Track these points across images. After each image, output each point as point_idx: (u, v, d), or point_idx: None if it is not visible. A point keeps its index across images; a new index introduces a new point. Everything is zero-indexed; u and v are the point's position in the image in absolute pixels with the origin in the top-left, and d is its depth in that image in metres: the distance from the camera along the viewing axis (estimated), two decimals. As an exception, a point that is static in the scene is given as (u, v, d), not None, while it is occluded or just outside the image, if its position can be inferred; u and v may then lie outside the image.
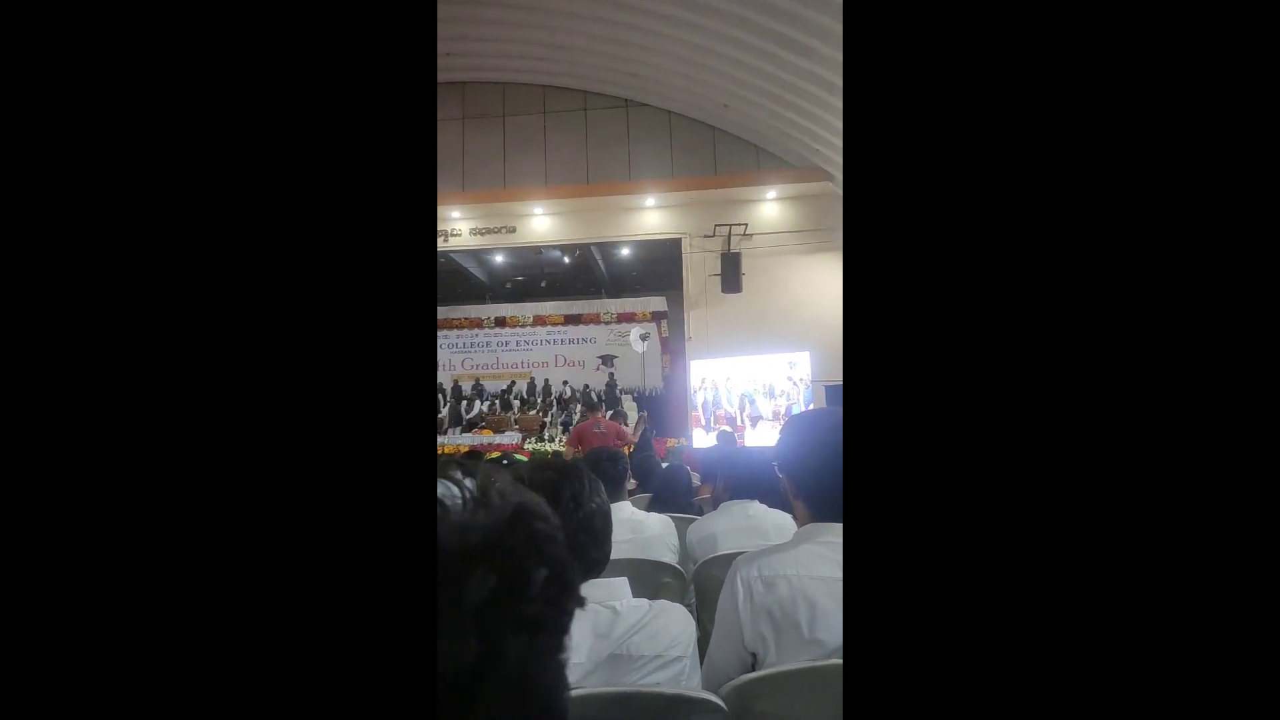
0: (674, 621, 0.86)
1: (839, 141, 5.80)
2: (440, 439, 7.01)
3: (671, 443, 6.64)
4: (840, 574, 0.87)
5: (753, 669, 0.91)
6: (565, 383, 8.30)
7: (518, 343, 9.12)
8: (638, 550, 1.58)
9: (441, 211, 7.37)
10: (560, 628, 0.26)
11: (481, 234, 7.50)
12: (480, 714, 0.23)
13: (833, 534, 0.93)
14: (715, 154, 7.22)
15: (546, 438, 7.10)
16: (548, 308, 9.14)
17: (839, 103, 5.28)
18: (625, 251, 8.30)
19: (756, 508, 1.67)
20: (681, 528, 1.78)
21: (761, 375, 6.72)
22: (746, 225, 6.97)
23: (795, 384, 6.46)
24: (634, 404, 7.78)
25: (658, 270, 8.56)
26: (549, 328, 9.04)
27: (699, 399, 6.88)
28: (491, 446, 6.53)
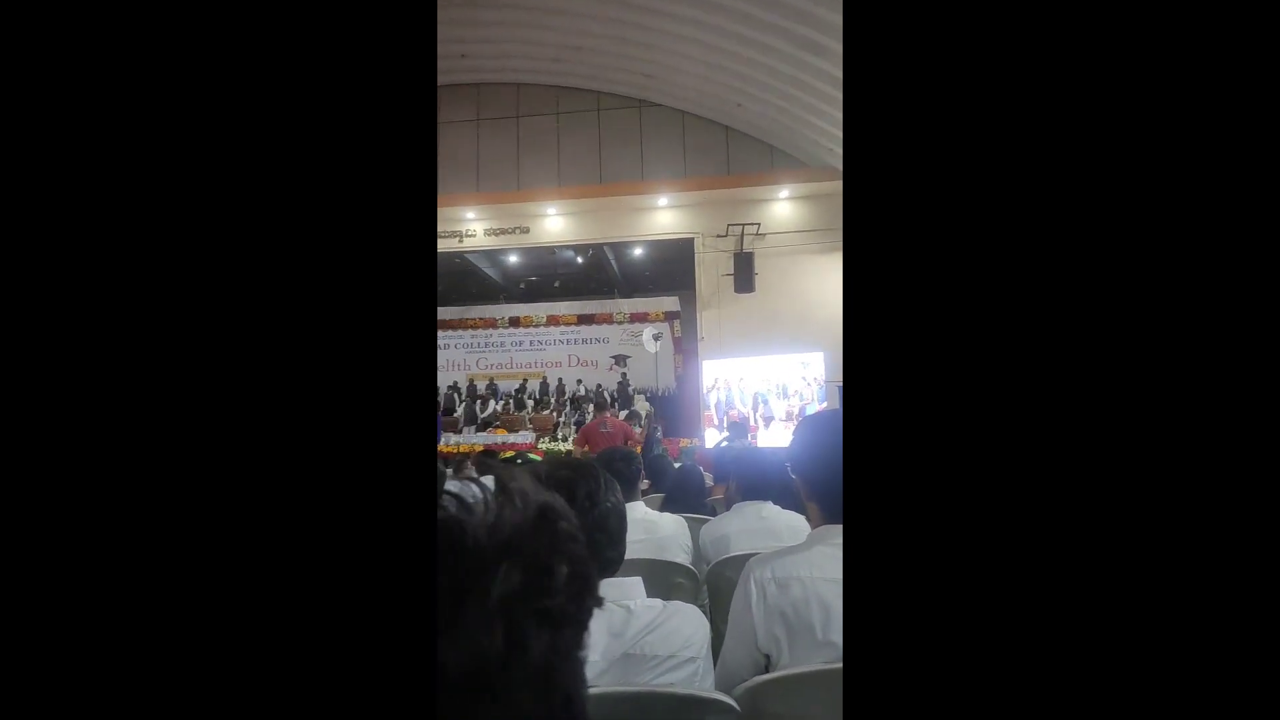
0: (688, 622, 0.86)
1: (853, 140, 5.71)
2: (455, 438, 7.07)
3: (684, 443, 6.63)
4: (854, 576, 0.87)
5: (766, 671, 0.91)
6: (579, 381, 8.33)
7: (531, 343, 9.16)
8: (651, 550, 1.59)
9: (456, 213, 7.43)
10: (581, 624, 0.27)
11: (495, 234, 7.54)
12: (505, 708, 0.23)
13: (847, 536, 0.92)
14: (728, 153, 7.19)
15: (560, 437, 7.12)
16: (561, 308, 9.16)
17: (853, 101, 5.21)
18: (638, 251, 8.31)
19: (770, 509, 1.66)
20: (694, 528, 1.78)
21: (775, 375, 6.69)
22: (760, 225, 6.93)
23: (809, 384, 6.42)
24: (646, 404, 7.78)
25: (670, 270, 8.55)
26: (562, 328, 9.07)
27: (712, 399, 6.86)
28: (506, 445, 6.57)
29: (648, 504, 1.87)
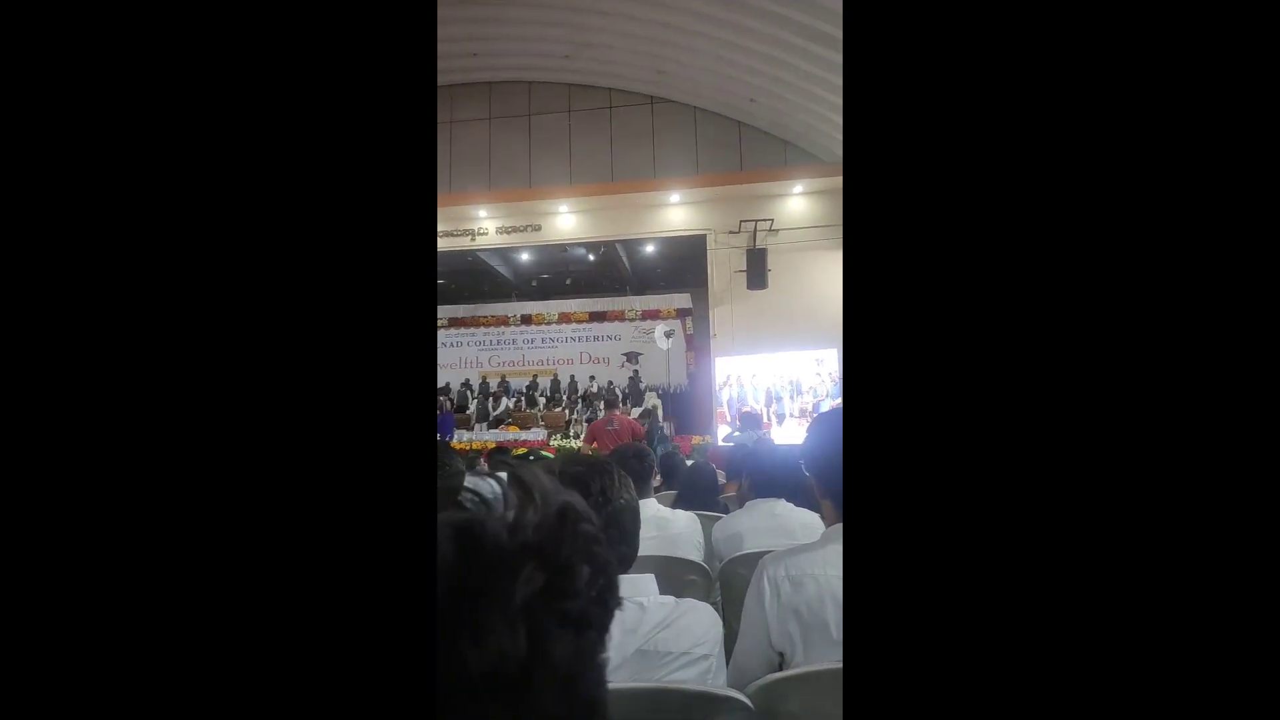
0: (701, 619, 0.86)
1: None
2: (468, 435, 7.12)
3: (696, 440, 6.62)
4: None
5: (779, 669, 0.91)
6: (592, 378, 8.35)
7: (543, 340, 9.20)
8: (663, 547, 1.58)
9: (468, 211, 7.47)
10: (603, 626, 0.26)
11: (508, 233, 7.58)
12: (527, 710, 0.23)
13: (862, 534, 0.92)
14: (741, 149, 7.16)
15: (572, 434, 7.15)
16: (573, 305, 9.19)
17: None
18: (650, 249, 8.30)
19: (783, 506, 1.65)
20: (707, 525, 1.78)
21: (788, 372, 6.65)
22: (772, 221, 6.89)
23: (823, 380, 6.38)
24: (658, 401, 7.78)
25: (682, 267, 8.53)
26: (574, 325, 9.09)
27: (724, 396, 6.84)
28: (518, 443, 6.60)
29: (660, 501, 1.87)
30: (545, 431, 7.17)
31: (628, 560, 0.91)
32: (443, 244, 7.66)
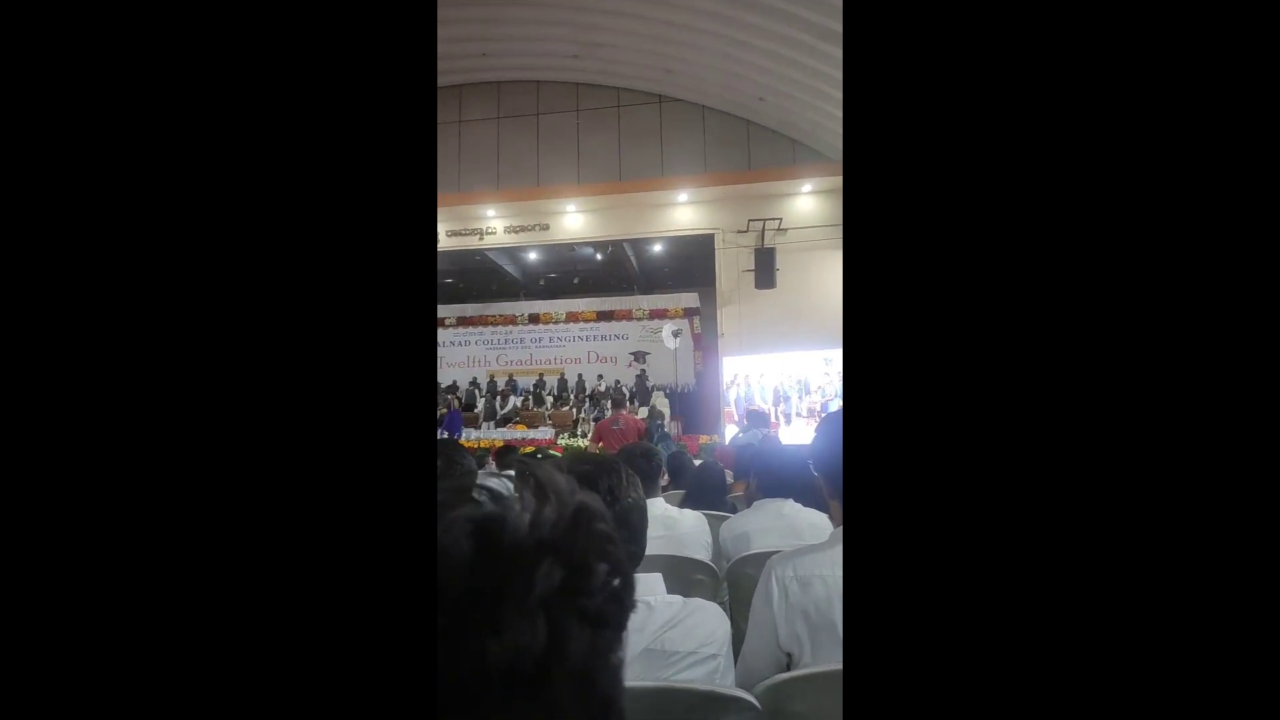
0: (709, 619, 0.86)
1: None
2: (475, 433, 7.15)
3: (704, 439, 6.61)
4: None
5: (787, 669, 0.90)
6: (600, 377, 8.36)
7: (551, 339, 9.22)
8: (671, 547, 1.58)
9: (476, 210, 7.50)
10: (619, 624, 0.27)
11: (515, 232, 7.60)
12: (545, 706, 0.23)
13: (871, 534, 0.91)
14: (749, 148, 7.14)
15: (579, 433, 7.16)
16: (580, 304, 9.20)
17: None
18: (657, 248, 8.29)
19: (791, 506, 1.65)
20: (714, 525, 1.77)
21: (796, 371, 6.63)
22: (781, 220, 6.87)
23: (831, 379, 6.36)
24: (665, 400, 7.78)
25: (690, 266, 8.52)
26: (581, 324, 9.11)
27: (731, 395, 6.83)
28: (525, 441, 6.63)
29: (668, 500, 1.87)
30: (552, 430, 7.19)
31: (635, 559, 0.91)
32: (451, 243, 7.69)
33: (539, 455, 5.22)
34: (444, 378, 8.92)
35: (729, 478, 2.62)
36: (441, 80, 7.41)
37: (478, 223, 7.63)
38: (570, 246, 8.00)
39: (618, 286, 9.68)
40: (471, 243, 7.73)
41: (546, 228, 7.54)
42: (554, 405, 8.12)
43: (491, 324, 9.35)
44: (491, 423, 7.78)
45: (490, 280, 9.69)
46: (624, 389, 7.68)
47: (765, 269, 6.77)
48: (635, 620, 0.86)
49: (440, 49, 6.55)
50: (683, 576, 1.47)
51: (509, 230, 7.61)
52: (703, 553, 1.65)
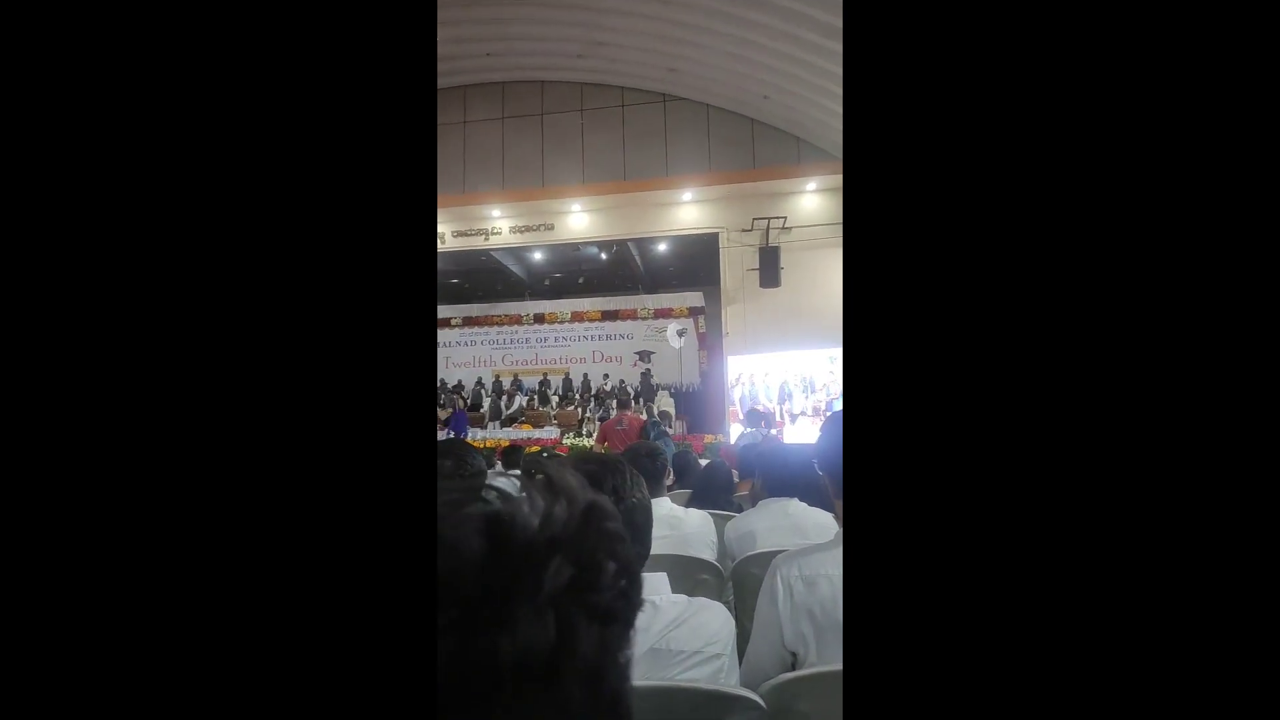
0: (714, 618, 0.86)
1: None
2: (480, 433, 7.17)
3: (709, 439, 6.61)
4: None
5: (792, 669, 0.90)
6: (605, 377, 8.37)
7: (556, 339, 9.23)
8: (675, 546, 1.58)
9: (481, 211, 7.52)
10: (628, 621, 0.27)
11: (520, 232, 7.61)
12: (555, 701, 0.23)
13: (876, 534, 0.91)
14: (754, 147, 7.12)
15: (585, 433, 7.17)
16: (585, 304, 9.21)
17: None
18: (662, 247, 8.29)
19: (796, 506, 1.64)
20: (719, 524, 1.77)
21: (800, 370, 6.61)
22: (786, 218, 6.85)
23: (836, 378, 6.34)
24: (670, 400, 7.77)
25: (695, 266, 8.51)
26: (586, 324, 9.11)
27: (736, 394, 6.82)
28: (530, 441, 6.64)
29: (673, 500, 1.87)
30: (558, 430, 7.20)
31: (640, 559, 0.91)
32: (456, 243, 7.71)
33: (545, 455, 5.23)
34: (450, 378, 8.94)
35: (734, 477, 2.61)
36: (446, 81, 7.43)
37: (483, 223, 7.65)
38: (575, 246, 8.00)
39: (622, 286, 9.69)
40: (477, 243, 7.74)
41: (551, 227, 7.54)
42: (559, 405, 8.13)
43: (497, 324, 9.37)
44: (497, 423, 7.80)
45: (496, 280, 9.71)
46: (628, 389, 7.68)
47: (770, 268, 6.75)
48: (640, 619, 0.85)
49: (445, 49, 6.57)
50: (688, 576, 1.47)
51: (514, 230, 7.62)
52: (708, 552, 1.65)
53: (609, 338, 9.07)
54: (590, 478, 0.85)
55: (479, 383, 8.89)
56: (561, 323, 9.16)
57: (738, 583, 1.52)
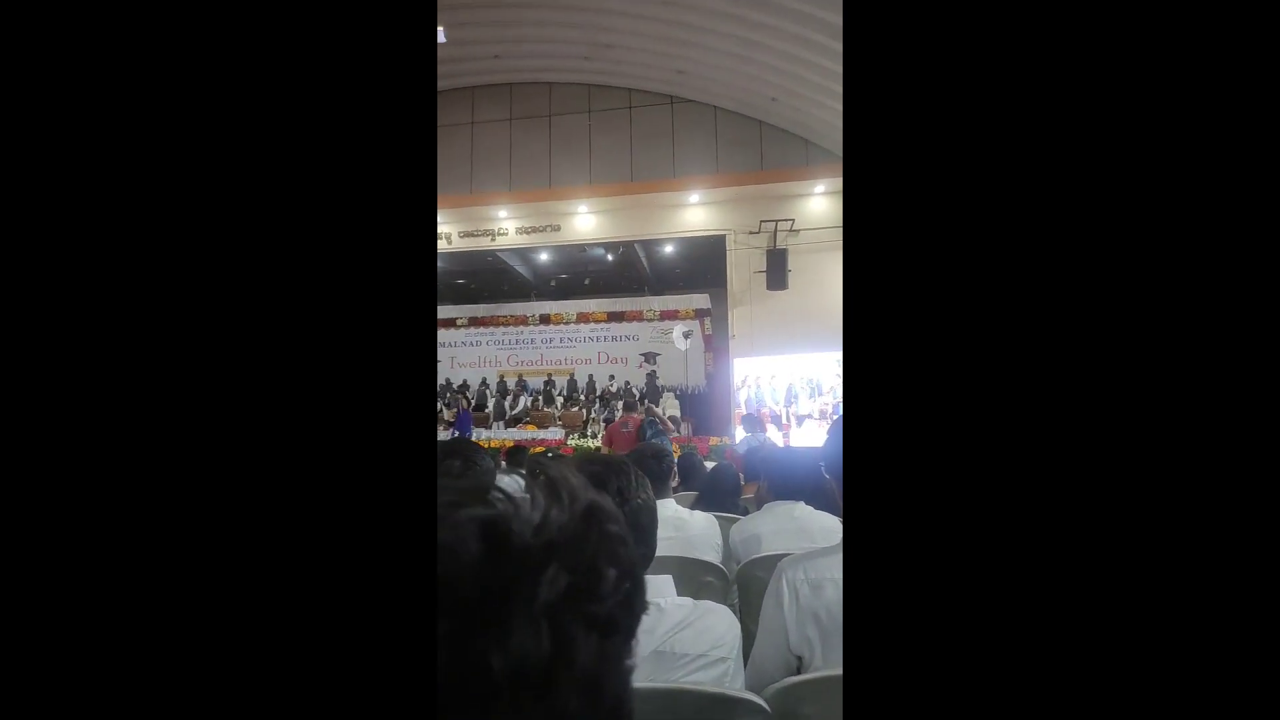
0: (719, 621, 0.85)
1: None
2: (486, 433, 7.18)
3: (714, 441, 6.60)
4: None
5: (798, 672, 0.90)
6: (611, 378, 8.37)
7: (561, 340, 9.24)
8: (680, 548, 1.58)
9: (488, 211, 7.54)
10: (630, 631, 0.26)
11: (527, 233, 7.63)
12: (553, 711, 0.23)
13: (883, 538, 0.90)
14: (762, 148, 7.11)
15: (590, 434, 7.17)
16: (591, 305, 9.22)
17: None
18: (669, 249, 8.29)
19: (802, 509, 1.64)
20: (724, 527, 1.77)
21: (806, 373, 6.59)
22: (793, 221, 6.84)
23: (843, 380, 6.31)
24: (676, 401, 7.77)
25: (701, 267, 8.51)
26: (592, 325, 9.12)
27: (741, 397, 6.81)
28: (535, 442, 6.65)
29: (679, 502, 1.87)
30: (563, 431, 7.20)
31: (645, 561, 0.91)
32: (463, 244, 7.74)
33: (550, 455, 5.24)
34: (456, 378, 8.97)
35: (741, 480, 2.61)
36: (454, 82, 7.47)
37: (490, 224, 7.67)
38: (581, 247, 8.01)
39: (629, 287, 9.69)
40: (484, 243, 7.77)
41: (558, 229, 7.56)
42: (564, 406, 8.14)
43: (503, 324, 9.39)
44: (501, 423, 7.82)
45: (502, 281, 9.74)
46: (634, 390, 7.68)
47: (777, 270, 6.74)
48: (645, 622, 0.85)
49: (453, 51, 6.60)
50: (692, 578, 1.46)
51: (521, 231, 7.64)
52: (712, 555, 1.64)
53: (614, 339, 9.08)
54: (595, 478, 0.85)
55: (484, 383, 8.91)
56: (567, 324, 9.18)
57: (743, 586, 1.51)
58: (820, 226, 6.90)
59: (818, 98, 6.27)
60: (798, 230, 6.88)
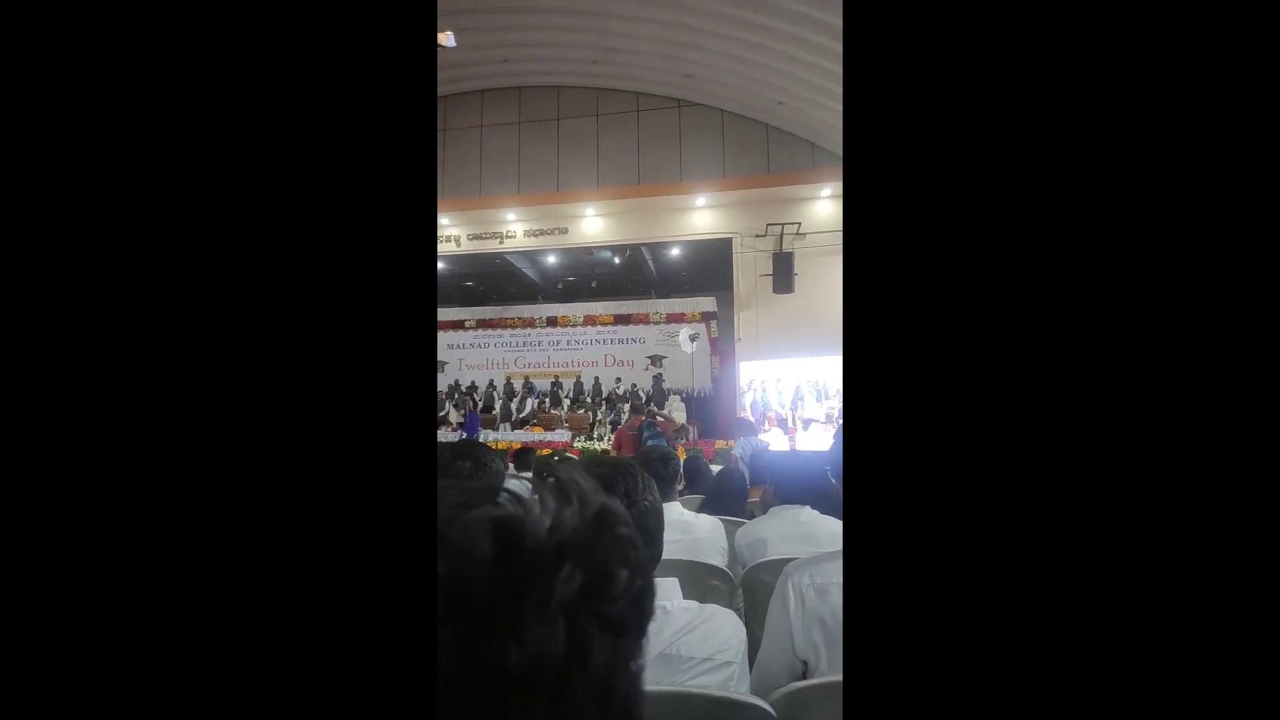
0: (725, 625, 0.86)
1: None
2: (492, 435, 7.20)
3: (720, 444, 6.58)
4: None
5: (803, 677, 0.90)
6: (617, 380, 8.38)
7: (568, 342, 9.25)
8: (686, 551, 1.58)
9: (496, 214, 7.58)
10: (640, 630, 0.26)
11: (535, 235, 7.66)
12: (566, 712, 0.23)
13: (889, 543, 0.90)
14: (768, 152, 7.11)
15: (596, 436, 7.17)
16: (598, 308, 9.23)
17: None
18: (675, 252, 8.30)
19: (808, 513, 1.63)
20: (730, 530, 1.77)
21: (813, 376, 6.57)
22: (800, 224, 6.83)
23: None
24: (681, 404, 7.76)
25: (708, 270, 8.50)
26: (599, 327, 9.13)
27: (747, 400, 6.79)
28: (541, 444, 6.65)
29: (685, 505, 1.87)
30: (569, 433, 7.21)
31: (652, 563, 0.91)
32: (472, 246, 7.78)
33: (557, 458, 5.24)
34: (464, 379, 9.00)
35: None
36: (463, 85, 7.51)
37: (498, 226, 7.71)
38: (589, 250, 8.03)
39: (635, 290, 9.70)
40: (492, 246, 7.80)
41: (565, 231, 7.58)
42: (570, 408, 8.15)
43: (510, 327, 9.42)
44: (508, 425, 7.83)
45: (509, 283, 9.77)
46: (640, 393, 7.68)
47: (783, 273, 6.73)
48: (651, 625, 0.86)
49: (462, 55, 6.64)
50: (698, 581, 1.46)
51: (528, 234, 7.67)
52: (718, 558, 1.64)
53: (621, 341, 9.08)
54: (602, 481, 0.85)
55: (491, 384, 8.94)
56: (574, 326, 9.19)
57: (748, 590, 1.51)
58: (827, 230, 6.88)
59: (824, 101, 6.26)
60: (804, 233, 6.87)
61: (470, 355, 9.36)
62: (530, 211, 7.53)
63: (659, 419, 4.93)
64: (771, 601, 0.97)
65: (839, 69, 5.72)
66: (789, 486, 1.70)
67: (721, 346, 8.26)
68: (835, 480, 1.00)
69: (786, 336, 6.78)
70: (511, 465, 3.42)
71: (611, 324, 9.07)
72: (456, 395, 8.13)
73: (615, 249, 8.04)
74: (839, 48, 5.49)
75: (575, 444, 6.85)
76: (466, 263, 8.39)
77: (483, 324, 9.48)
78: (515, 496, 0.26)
